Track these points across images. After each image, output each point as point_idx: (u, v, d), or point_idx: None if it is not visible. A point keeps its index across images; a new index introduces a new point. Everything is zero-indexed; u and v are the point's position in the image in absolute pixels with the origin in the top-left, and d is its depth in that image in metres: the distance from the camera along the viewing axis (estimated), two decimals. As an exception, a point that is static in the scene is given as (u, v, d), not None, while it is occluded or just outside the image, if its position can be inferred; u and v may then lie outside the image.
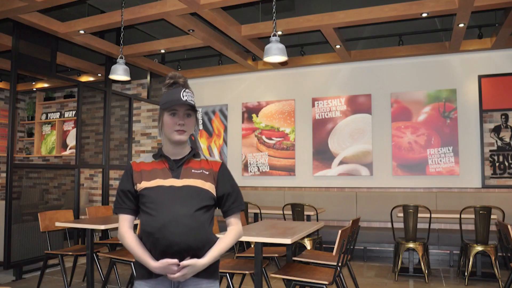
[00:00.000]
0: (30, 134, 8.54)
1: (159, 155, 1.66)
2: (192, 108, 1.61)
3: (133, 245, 1.57)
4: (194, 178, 1.61)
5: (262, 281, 2.88)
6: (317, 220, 4.85)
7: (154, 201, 1.56)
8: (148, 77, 7.37)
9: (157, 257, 1.54)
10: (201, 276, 1.58)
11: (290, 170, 6.58)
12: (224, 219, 1.74)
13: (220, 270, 3.19)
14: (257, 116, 6.86)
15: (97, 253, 4.10)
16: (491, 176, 5.61)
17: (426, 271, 4.53)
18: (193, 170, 1.64)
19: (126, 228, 1.63)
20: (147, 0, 4.61)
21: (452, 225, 5.68)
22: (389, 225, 5.62)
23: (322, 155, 6.40)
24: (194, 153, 1.68)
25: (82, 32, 5.02)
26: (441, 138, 5.81)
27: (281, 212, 5.32)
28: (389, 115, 6.11)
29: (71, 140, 8.00)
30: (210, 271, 1.61)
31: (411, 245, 4.56)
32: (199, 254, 1.56)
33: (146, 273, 1.58)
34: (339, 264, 3.03)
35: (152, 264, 1.51)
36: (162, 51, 5.91)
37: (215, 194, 1.66)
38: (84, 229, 5.13)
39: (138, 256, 1.56)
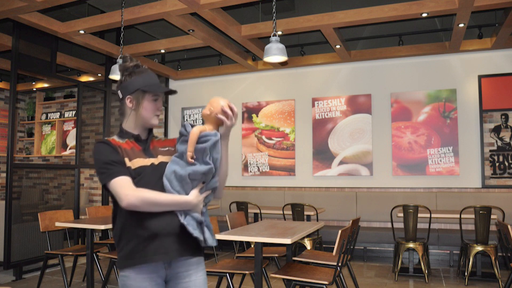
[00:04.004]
0: (30, 134, 8.53)
1: (130, 135, 1.66)
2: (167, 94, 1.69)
3: (159, 194, 1.52)
4: (165, 155, 1.67)
5: (262, 281, 2.88)
6: (317, 220, 4.85)
7: (140, 180, 1.56)
8: (148, 77, 7.36)
9: (145, 231, 1.54)
10: (187, 254, 1.61)
11: (290, 170, 6.58)
12: None
13: (220, 270, 3.20)
14: (257, 116, 6.86)
15: (97, 253, 4.10)
16: (491, 176, 5.61)
17: (426, 271, 4.53)
18: (160, 149, 1.69)
19: (134, 187, 1.52)
20: (147, 0, 4.61)
21: (452, 225, 5.68)
22: (389, 225, 5.62)
23: (322, 155, 6.40)
24: (153, 135, 1.75)
25: (82, 32, 5.03)
26: (441, 138, 5.81)
27: (281, 212, 5.32)
28: (389, 115, 6.11)
29: (71, 140, 8.00)
30: (196, 248, 1.64)
31: (411, 245, 4.57)
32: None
33: (138, 260, 1.53)
34: (339, 264, 3.03)
35: (188, 198, 1.54)
36: (162, 51, 5.91)
37: None
38: (84, 229, 5.13)
39: (170, 200, 1.52)
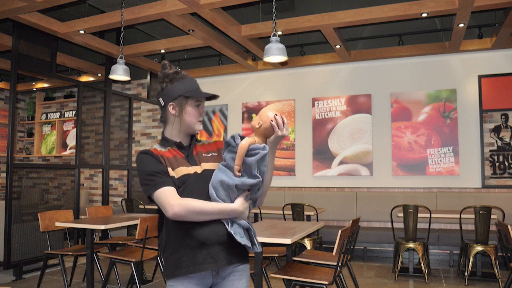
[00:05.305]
0: (30, 134, 8.54)
1: (172, 143, 1.64)
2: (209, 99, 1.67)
3: (204, 203, 1.51)
4: (208, 162, 1.64)
5: (262, 281, 2.88)
6: (317, 220, 4.85)
7: (185, 189, 1.55)
8: (148, 77, 7.37)
9: (193, 240, 1.52)
10: (235, 261, 1.59)
11: (290, 170, 6.58)
12: None
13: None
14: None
15: (97, 253, 4.10)
16: (491, 176, 5.61)
17: (426, 271, 4.53)
18: (203, 154, 1.67)
19: (179, 197, 1.51)
20: (147, 0, 4.61)
21: (452, 225, 5.68)
22: (389, 225, 5.62)
23: (322, 155, 6.40)
24: (196, 139, 1.72)
25: (82, 32, 5.03)
26: (441, 138, 5.81)
27: (281, 212, 5.32)
28: (389, 115, 6.11)
29: (71, 140, 8.00)
30: (243, 255, 1.63)
31: (411, 245, 4.56)
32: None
33: (186, 269, 1.51)
34: (339, 264, 3.03)
35: (234, 206, 1.52)
36: (162, 51, 5.91)
37: None
38: (84, 229, 5.13)
39: (215, 208, 1.51)
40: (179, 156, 1.62)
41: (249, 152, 1.55)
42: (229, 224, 1.55)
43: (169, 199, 1.48)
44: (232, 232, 1.53)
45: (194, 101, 1.62)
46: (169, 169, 1.56)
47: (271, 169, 1.64)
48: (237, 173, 1.54)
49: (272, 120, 1.54)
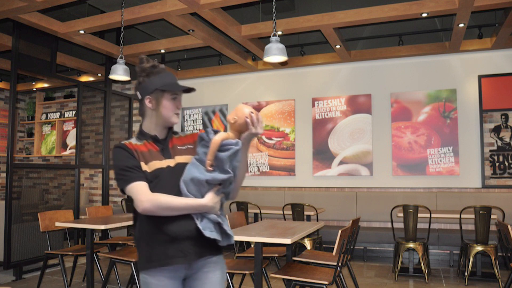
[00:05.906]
0: (30, 134, 8.53)
1: (148, 136, 1.66)
2: (186, 92, 1.69)
3: (174, 198, 1.53)
4: (182, 155, 1.66)
5: (262, 281, 2.88)
6: (317, 220, 4.85)
7: (157, 183, 1.57)
8: (148, 77, 7.36)
9: (164, 235, 1.54)
10: (206, 254, 1.61)
11: (290, 170, 6.58)
12: None
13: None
14: (257, 116, 6.84)
15: (97, 253, 4.10)
16: (491, 176, 5.61)
17: (426, 271, 4.53)
18: (178, 147, 1.68)
19: (149, 192, 1.52)
20: (147, 0, 4.61)
21: (452, 225, 5.68)
22: (389, 225, 5.62)
23: (322, 155, 6.40)
24: (173, 131, 1.74)
25: (82, 32, 5.03)
26: (441, 138, 5.81)
27: (281, 212, 5.32)
28: (389, 115, 6.11)
29: (71, 140, 8.00)
30: (214, 248, 1.64)
31: (411, 245, 4.57)
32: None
33: (157, 263, 1.54)
34: (339, 264, 3.03)
35: (203, 201, 1.54)
36: (162, 51, 5.91)
37: None
38: (84, 229, 5.13)
39: (185, 204, 1.52)
40: (154, 149, 1.64)
41: (222, 148, 1.56)
42: (199, 219, 1.56)
43: (139, 195, 1.51)
44: (201, 228, 1.54)
45: (170, 95, 1.64)
46: (142, 163, 1.58)
47: (244, 164, 1.65)
48: (209, 168, 1.55)
49: (247, 117, 1.55)
